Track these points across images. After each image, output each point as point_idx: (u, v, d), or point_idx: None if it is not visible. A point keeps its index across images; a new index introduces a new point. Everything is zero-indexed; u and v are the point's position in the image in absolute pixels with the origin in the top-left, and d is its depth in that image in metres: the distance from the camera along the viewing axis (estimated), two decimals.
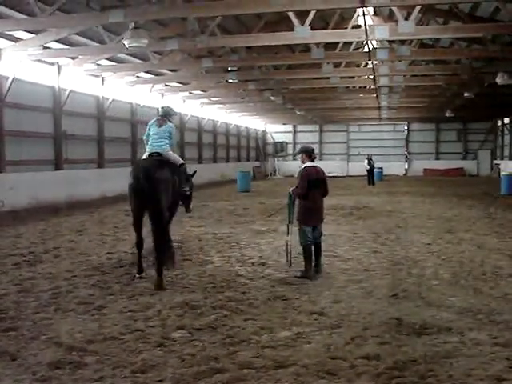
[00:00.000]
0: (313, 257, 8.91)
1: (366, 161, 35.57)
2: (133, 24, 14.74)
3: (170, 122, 10.04)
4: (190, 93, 31.95)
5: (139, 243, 8.94)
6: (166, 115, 10.05)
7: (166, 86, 29.12)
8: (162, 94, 30.49)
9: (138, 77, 25.69)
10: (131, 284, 8.27)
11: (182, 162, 10.08)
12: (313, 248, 8.94)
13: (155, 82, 26.79)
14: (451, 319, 6.42)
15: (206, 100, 34.48)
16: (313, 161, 9.14)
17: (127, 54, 21.89)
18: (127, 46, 15.11)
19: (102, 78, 24.46)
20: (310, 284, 8.21)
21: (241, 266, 9.59)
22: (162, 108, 10.23)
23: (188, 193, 10.40)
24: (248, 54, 21.46)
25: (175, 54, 21.89)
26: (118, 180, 24.80)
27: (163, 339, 5.80)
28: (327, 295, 7.55)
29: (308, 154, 9.12)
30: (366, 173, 35.72)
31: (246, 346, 5.63)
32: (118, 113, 26.57)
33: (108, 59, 22.41)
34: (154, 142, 9.67)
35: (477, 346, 5.56)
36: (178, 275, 8.85)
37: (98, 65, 22.01)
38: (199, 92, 32.04)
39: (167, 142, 9.75)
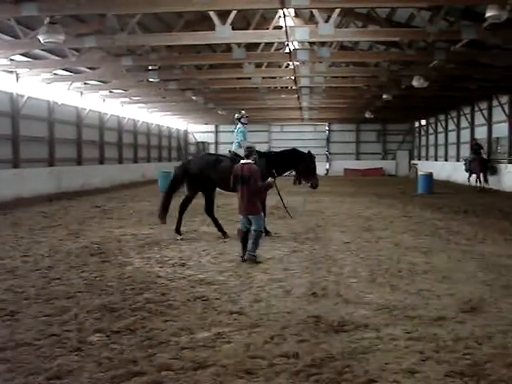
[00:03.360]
0: (249, 244, 9.93)
1: None
2: (48, 19, 14.29)
3: (242, 123, 13.35)
4: (110, 92, 31.34)
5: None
6: (237, 118, 13.45)
7: (85, 84, 28.42)
8: (81, 93, 29.79)
9: (55, 74, 24.95)
10: (47, 288, 8.01)
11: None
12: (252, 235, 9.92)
13: (73, 79, 26.08)
14: (368, 316, 6.58)
15: (126, 99, 33.93)
16: (248, 159, 10.26)
17: (43, 50, 21.18)
18: (42, 42, 14.65)
19: (17, 74, 23.58)
20: (230, 284, 8.22)
21: (161, 267, 9.48)
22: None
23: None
24: (169, 52, 21.26)
25: (94, 52, 21.40)
26: (36, 181, 24.13)
27: (80, 343, 5.65)
28: (247, 295, 7.57)
29: (245, 152, 10.36)
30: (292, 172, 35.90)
31: (164, 347, 5.57)
32: (35, 111, 25.73)
33: (23, 55, 21.65)
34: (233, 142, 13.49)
35: (392, 341, 5.72)
36: (97, 277, 8.66)
37: (11, 60, 21.24)
38: (120, 91, 31.48)
39: (237, 141, 13.26)
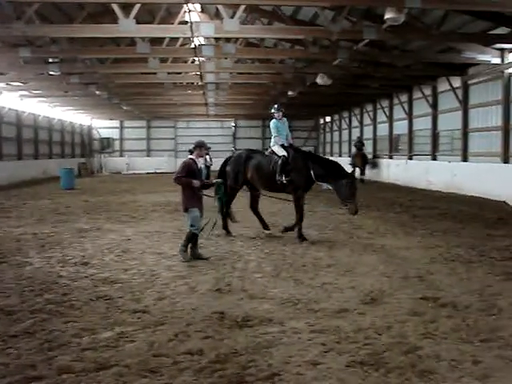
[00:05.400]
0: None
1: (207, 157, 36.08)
2: None
3: (273, 118, 12.54)
4: (8, 84, 29.97)
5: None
6: (271, 113, 12.63)
7: None
8: None
9: None
10: None
11: (281, 154, 11.99)
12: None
13: None
14: (272, 310, 6.66)
15: (26, 92, 32.58)
16: (191, 155, 9.98)
17: None
18: None
19: None
20: (133, 282, 8.09)
21: (62, 267, 9.18)
22: None
23: (284, 181, 11.81)
24: (70, 45, 20.60)
25: None
26: None
27: None
28: (151, 293, 7.47)
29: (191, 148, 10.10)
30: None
31: (65, 349, 5.40)
32: None
33: None
34: None
35: (295, 335, 5.81)
36: None
37: None
38: (18, 84, 30.19)
39: (271, 138, 12.51)
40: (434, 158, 27.72)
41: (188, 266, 9.24)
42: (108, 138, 52.32)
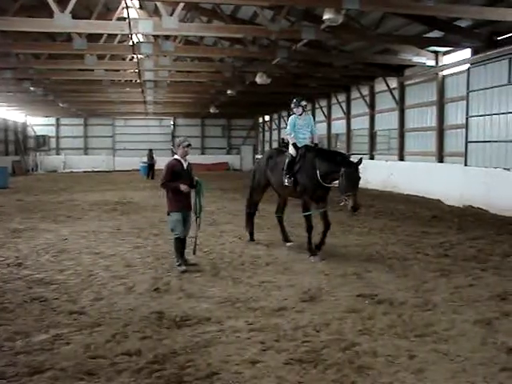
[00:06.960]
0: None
1: (148, 155, 35.98)
2: None
3: (294, 113, 10.83)
4: None
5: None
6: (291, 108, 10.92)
7: None
8: None
9: None
10: None
11: (290, 154, 10.58)
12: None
13: None
14: (211, 309, 6.65)
15: None
16: (175, 155, 9.43)
17: None
18: None
19: None
20: (70, 283, 7.94)
21: None
22: None
23: (286, 184, 10.45)
24: (3, 39, 19.94)
25: None
26: None
27: None
28: (88, 293, 7.35)
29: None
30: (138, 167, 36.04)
31: None
32: None
33: None
34: None
35: (234, 333, 5.82)
36: None
37: None
38: None
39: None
40: (372, 157, 28.23)
41: (125, 265, 9.12)
42: (44, 136, 50.95)
